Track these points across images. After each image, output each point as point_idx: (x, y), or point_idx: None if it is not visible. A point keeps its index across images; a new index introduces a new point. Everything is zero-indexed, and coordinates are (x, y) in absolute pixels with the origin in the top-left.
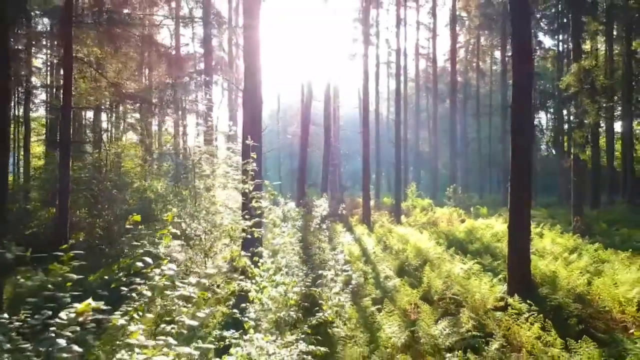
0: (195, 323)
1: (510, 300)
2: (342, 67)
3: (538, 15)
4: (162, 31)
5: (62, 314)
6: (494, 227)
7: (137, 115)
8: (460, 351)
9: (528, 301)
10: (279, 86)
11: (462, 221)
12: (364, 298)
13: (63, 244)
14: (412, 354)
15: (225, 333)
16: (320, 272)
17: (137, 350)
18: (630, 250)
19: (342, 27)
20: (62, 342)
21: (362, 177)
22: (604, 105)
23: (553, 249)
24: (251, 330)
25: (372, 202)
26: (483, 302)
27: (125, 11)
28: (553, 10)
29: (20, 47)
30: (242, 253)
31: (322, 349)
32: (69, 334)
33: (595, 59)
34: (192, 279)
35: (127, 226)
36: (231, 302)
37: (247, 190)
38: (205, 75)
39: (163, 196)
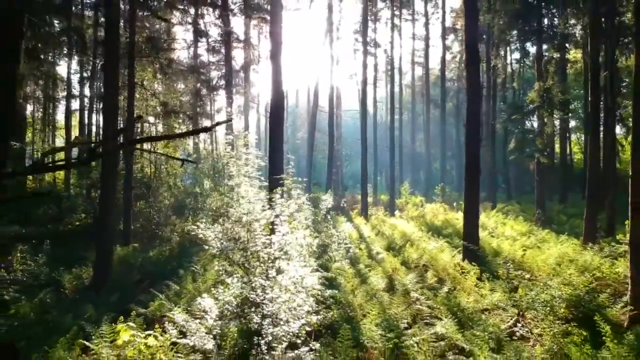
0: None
1: (462, 264)
2: (344, 73)
3: (526, 28)
4: (178, 39)
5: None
6: None
7: (175, 125)
8: (421, 290)
9: (474, 263)
10: (288, 94)
11: (446, 214)
12: (359, 265)
13: (127, 228)
14: (390, 292)
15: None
16: (327, 242)
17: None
18: (567, 233)
19: (345, 40)
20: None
21: (360, 177)
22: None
23: (510, 233)
24: (293, 258)
25: (370, 199)
26: (445, 266)
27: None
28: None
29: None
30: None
31: (332, 274)
32: None
33: (552, 78)
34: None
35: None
36: None
37: (288, 184)
38: (227, 92)
39: (207, 190)
